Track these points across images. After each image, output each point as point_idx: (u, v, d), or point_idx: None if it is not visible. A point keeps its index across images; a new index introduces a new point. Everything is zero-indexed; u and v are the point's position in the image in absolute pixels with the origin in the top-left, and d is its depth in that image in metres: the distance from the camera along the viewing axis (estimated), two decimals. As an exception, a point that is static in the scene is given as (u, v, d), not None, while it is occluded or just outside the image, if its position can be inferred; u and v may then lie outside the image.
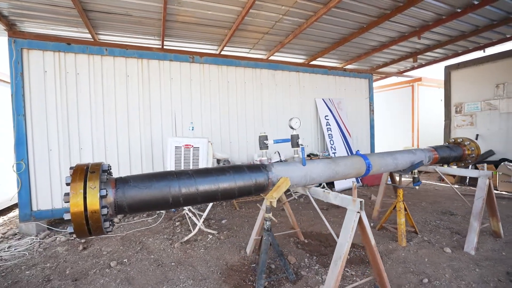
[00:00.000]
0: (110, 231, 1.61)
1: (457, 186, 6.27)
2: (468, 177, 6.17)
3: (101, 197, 1.49)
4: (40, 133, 4.07)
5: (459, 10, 4.26)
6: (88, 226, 1.47)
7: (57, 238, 3.67)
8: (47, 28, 4.25)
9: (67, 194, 1.44)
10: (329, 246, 3.14)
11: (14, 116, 3.90)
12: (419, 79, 8.08)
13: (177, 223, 4.11)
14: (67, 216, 1.42)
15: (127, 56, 4.56)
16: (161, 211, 4.56)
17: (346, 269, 2.57)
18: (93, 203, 1.45)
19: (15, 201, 5.63)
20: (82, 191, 1.45)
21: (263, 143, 2.26)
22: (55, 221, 4.38)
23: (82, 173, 1.52)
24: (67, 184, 1.47)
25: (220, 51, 5.39)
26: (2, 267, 2.92)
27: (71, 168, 1.56)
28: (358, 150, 2.82)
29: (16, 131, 3.91)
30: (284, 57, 6.18)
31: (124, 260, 2.96)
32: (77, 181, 1.48)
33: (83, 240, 3.58)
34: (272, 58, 6.02)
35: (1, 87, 5.17)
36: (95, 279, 2.59)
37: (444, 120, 7.14)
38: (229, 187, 1.93)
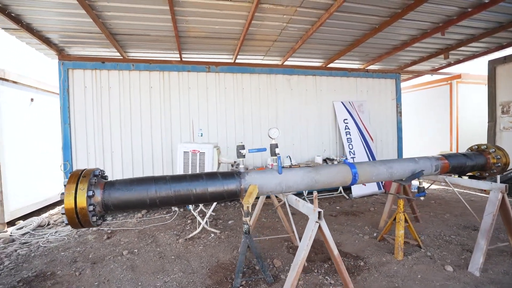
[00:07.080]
0: (99, 225, 1.99)
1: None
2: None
3: (89, 196, 1.85)
4: (81, 139, 4.86)
5: (487, 1, 3.81)
6: (78, 219, 1.86)
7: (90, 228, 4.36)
8: (85, 50, 5.06)
9: (63, 193, 1.84)
10: (320, 253, 3.15)
11: (62, 124, 4.75)
12: (458, 76, 7.23)
13: (189, 221, 4.50)
14: (62, 211, 1.82)
15: (150, 70, 5.15)
16: (176, 209, 5.02)
17: (326, 277, 2.59)
18: (81, 201, 1.82)
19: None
20: (73, 191, 1.84)
21: (239, 152, 2.43)
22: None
23: (76, 177, 1.91)
24: (65, 186, 1.88)
25: (235, 60, 5.68)
26: (47, 247, 3.63)
27: (70, 173, 1.97)
28: (345, 159, 2.79)
29: (63, 137, 4.75)
30: (300, 61, 6.20)
31: (135, 251, 3.41)
32: (71, 183, 1.87)
33: (109, 231, 4.20)
34: (287, 63, 6.09)
35: (48, 97, 5.59)
36: (107, 264, 3.07)
37: (488, 122, 6.29)
38: (202, 192, 2.16)
